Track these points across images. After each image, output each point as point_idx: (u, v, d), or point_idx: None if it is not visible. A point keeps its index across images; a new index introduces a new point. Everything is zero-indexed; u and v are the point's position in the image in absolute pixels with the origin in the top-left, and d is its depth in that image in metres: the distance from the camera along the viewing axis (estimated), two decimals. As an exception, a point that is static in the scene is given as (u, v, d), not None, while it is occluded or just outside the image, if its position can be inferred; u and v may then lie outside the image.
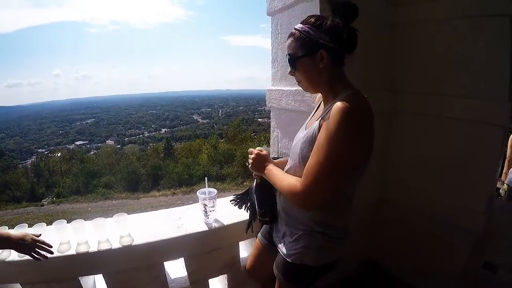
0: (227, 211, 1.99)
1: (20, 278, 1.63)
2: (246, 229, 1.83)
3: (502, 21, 1.84)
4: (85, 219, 1.79)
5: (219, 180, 26.50)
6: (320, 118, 1.23)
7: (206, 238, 1.85)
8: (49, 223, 1.75)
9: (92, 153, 46.40)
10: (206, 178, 1.91)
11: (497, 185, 3.20)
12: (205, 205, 1.85)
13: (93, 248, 1.66)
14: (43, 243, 1.52)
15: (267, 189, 1.54)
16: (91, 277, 1.92)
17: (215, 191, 1.89)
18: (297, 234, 1.38)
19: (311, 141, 1.23)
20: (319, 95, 1.60)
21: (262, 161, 1.46)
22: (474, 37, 1.98)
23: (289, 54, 1.30)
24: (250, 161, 1.49)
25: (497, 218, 2.07)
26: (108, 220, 1.77)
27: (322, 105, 1.41)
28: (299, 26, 1.26)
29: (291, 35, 1.29)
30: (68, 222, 1.72)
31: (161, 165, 31.09)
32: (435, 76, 2.21)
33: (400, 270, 2.57)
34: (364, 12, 2.07)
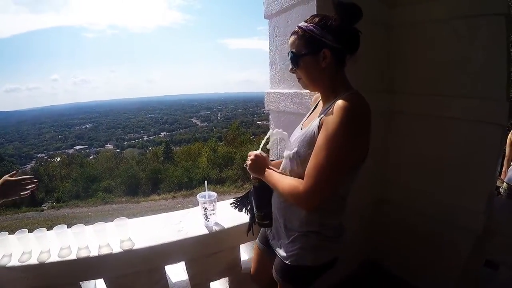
0: (228, 214, 1.99)
1: (21, 283, 1.63)
2: (246, 232, 1.84)
3: (498, 21, 1.85)
4: (86, 223, 1.79)
5: (219, 183, 26.43)
6: (320, 117, 1.23)
7: (206, 241, 1.85)
8: (49, 228, 1.75)
9: (91, 157, 46.27)
10: (206, 181, 1.92)
11: (496, 184, 3.20)
12: (205, 208, 1.86)
13: (94, 252, 1.66)
14: (23, 179, 1.58)
15: (265, 192, 1.54)
16: (92, 282, 1.92)
17: (215, 194, 1.89)
18: (293, 236, 1.38)
19: (309, 141, 1.24)
20: (315, 96, 1.60)
21: (261, 164, 1.46)
22: (471, 37, 1.99)
23: (292, 52, 1.30)
24: (249, 162, 1.49)
25: (497, 216, 2.07)
26: (109, 224, 1.78)
27: (320, 105, 1.41)
28: (303, 24, 1.26)
29: (294, 33, 1.29)
30: (69, 227, 1.72)
31: (161, 168, 31.02)
32: (434, 76, 2.22)
33: (400, 270, 2.57)
34: (367, 13, 2.09)
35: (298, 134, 1.36)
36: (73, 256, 1.64)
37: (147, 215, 2.12)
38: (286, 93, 2.15)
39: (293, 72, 1.37)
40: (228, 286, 2.10)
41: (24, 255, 1.63)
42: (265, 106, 2.41)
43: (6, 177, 1.59)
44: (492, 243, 2.02)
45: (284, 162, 1.44)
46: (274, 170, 1.42)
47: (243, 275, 2.08)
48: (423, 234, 2.34)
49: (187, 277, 1.95)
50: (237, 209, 1.97)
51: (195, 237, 1.82)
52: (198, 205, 1.91)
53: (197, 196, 1.88)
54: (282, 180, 1.32)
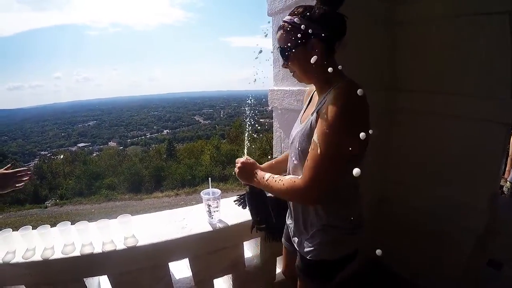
0: (231, 211, 1.99)
1: (25, 279, 1.64)
2: (250, 229, 1.84)
3: (502, 19, 1.84)
4: (89, 220, 1.80)
5: (222, 181, 26.47)
6: (316, 109, 1.23)
7: (210, 238, 1.86)
8: (53, 224, 1.76)
9: (94, 155, 46.35)
10: (209, 178, 1.92)
11: (500, 183, 3.20)
12: (209, 205, 1.86)
13: (98, 249, 1.67)
14: (17, 171, 1.67)
15: (259, 196, 1.57)
16: (95, 278, 1.93)
17: (219, 191, 1.89)
18: (312, 231, 1.38)
19: (308, 134, 1.23)
20: (309, 89, 1.60)
21: (249, 169, 1.49)
22: (475, 34, 1.98)
23: (280, 47, 1.29)
24: (237, 170, 1.51)
25: (501, 215, 2.06)
26: (112, 221, 1.78)
27: (315, 97, 1.40)
28: (287, 18, 1.25)
29: (280, 27, 1.28)
30: (72, 224, 1.73)
31: (164, 166, 31.10)
32: (436, 74, 2.21)
33: (402, 268, 2.57)
34: (364, 10, 2.08)
35: (298, 129, 1.36)
36: (77, 253, 1.64)
37: (150, 212, 2.13)
38: (289, 90, 2.15)
39: (285, 67, 1.37)
40: (231, 283, 2.10)
41: (28, 252, 1.63)
42: (269, 103, 2.40)
43: (1, 170, 1.64)
44: (495, 242, 2.02)
45: (290, 159, 1.45)
46: (265, 173, 1.42)
47: (246, 272, 2.09)
48: (424, 233, 2.33)
49: (191, 274, 1.95)
50: (240, 207, 1.98)
51: (199, 234, 1.82)
52: (202, 202, 1.91)
53: (201, 193, 1.89)
54: (277, 180, 1.32)
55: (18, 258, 1.59)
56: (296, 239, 1.51)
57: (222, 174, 28.17)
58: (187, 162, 31.28)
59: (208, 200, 1.85)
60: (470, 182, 2.08)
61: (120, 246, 1.69)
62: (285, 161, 1.58)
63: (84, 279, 1.73)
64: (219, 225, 1.88)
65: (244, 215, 1.93)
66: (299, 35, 1.20)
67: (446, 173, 2.21)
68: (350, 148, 1.07)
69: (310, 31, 1.18)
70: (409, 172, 2.48)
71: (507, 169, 3.55)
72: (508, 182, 3.44)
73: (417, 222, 2.40)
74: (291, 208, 1.52)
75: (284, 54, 1.29)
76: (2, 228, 1.78)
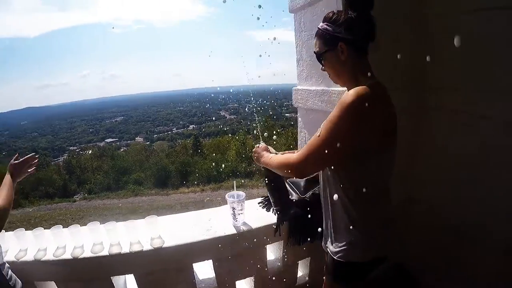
0: (255, 214, 2.02)
1: (55, 276, 1.73)
2: (274, 232, 1.85)
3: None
4: (116, 215, 1.87)
5: (247, 177, 26.57)
6: None
7: (234, 241, 1.87)
8: (81, 218, 1.86)
9: (122, 150, 47.26)
10: (234, 182, 1.95)
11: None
12: (233, 208, 1.88)
13: (125, 249, 1.73)
14: (26, 159, 1.78)
15: (277, 184, 1.72)
16: (122, 277, 1.99)
17: (244, 194, 1.91)
18: (341, 232, 1.41)
19: None
20: None
21: (259, 152, 1.64)
22: (508, 28, 1.85)
23: (315, 52, 1.41)
24: (252, 154, 1.69)
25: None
26: (139, 222, 1.84)
27: None
28: (320, 24, 1.35)
29: (315, 34, 1.39)
30: (100, 218, 1.80)
31: (190, 161, 31.49)
32: (469, 71, 2.08)
33: (428, 275, 2.49)
34: (391, 7, 2.03)
35: None
36: (105, 252, 1.71)
37: (176, 207, 2.17)
38: (314, 90, 2.13)
39: (323, 71, 1.45)
40: (253, 285, 2.12)
41: (58, 250, 1.71)
42: (293, 103, 2.40)
43: (11, 162, 1.74)
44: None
45: None
46: (271, 154, 1.60)
47: (268, 275, 2.10)
48: (453, 238, 2.24)
49: (214, 275, 1.98)
50: (264, 209, 1.99)
51: (222, 236, 1.84)
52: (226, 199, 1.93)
53: (226, 196, 1.91)
54: (278, 156, 1.53)
55: (49, 256, 1.68)
56: (326, 239, 1.53)
57: (247, 170, 28.26)
58: (213, 158, 31.58)
59: (233, 203, 1.87)
60: (503, 186, 1.96)
61: (147, 246, 1.75)
62: None
63: (111, 277, 1.79)
64: (243, 228, 1.90)
65: (268, 218, 1.96)
66: (328, 40, 1.32)
67: (478, 175, 2.09)
68: (346, 139, 1.19)
69: (337, 35, 1.28)
70: (438, 173, 2.37)
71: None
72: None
73: (445, 226, 2.31)
74: (323, 208, 1.56)
75: (318, 59, 1.41)
76: (33, 220, 1.88)
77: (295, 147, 3.16)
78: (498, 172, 1.97)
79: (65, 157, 47.99)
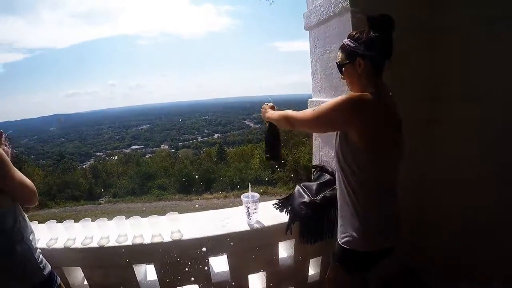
0: (269, 214, 2.15)
1: (81, 262, 1.94)
2: (285, 231, 1.99)
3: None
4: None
5: (271, 185, 26.45)
6: None
7: (247, 237, 2.02)
8: (108, 219, 2.02)
9: (147, 156, 47.48)
10: (249, 183, 2.09)
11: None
12: (248, 207, 2.03)
13: (147, 241, 1.90)
14: None
15: (272, 134, 1.96)
16: (143, 266, 2.18)
17: (258, 195, 2.06)
18: (347, 220, 1.56)
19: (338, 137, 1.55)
20: None
21: (266, 108, 1.94)
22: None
23: (336, 63, 1.61)
24: (262, 109, 1.98)
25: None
26: (162, 217, 2.01)
27: None
28: (344, 40, 1.55)
29: (340, 47, 1.58)
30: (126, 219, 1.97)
31: (214, 169, 31.57)
32: (478, 81, 2.14)
33: (439, 282, 2.53)
34: (402, 20, 2.12)
35: None
36: (129, 242, 1.89)
37: (198, 212, 2.34)
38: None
39: (342, 79, 1.64)
40: (265, 279, 2.24)
41: (86, 239, 1.91)
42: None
43: None
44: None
45: None
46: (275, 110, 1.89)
47: (280, 270, 2.22)
48: (464, 248, 2.28)
49: (228, 269, 2.12)
50: (278, 210, 2.13)
51: (237, 232, 1.99)
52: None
53: (242, 196, 2.07)
54: (280, 111, 1.84)
55: (77, 244, 1.88)
56: (338, 228, 1.66)
57: (271, 178, 28.13)
58: (237, 166, 31.63)
59: (247, 202, 2.02)
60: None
61: (167, 239, 1.91)
62: None
63: (133, 265, 1.97)
64: (256, 225, 2.04)
65: (281, 218, 2.09)
66: (349, 54, 1.51)
67: (491, 184, 2.10)
68: (330, 122, 1.51)
69: (356, 51, 1.47)
70: (451, 182, 2.40)
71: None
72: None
73: (458, 234, 2.34)
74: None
75: (340, 69, 1.60)
76: (58, 220, 2.07)
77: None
78: (507, 180, 1.99)
79: (91, 162, 48.46)
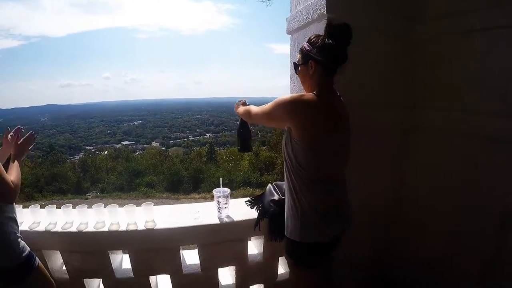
0: (241, 210, 2.24)
1: (61, 246, 2.04)
2: (254, 227, 2.09)
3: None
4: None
5: (259, 187, 26.37)
6: None
7: (217, 230, 2.12)
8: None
9: (137, 153, 46.88)
10: (220, 178, 2.18)
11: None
12: (218, 202, 2.13)
13: (123, 228, 2.01)
14: (26, 138, 1.80)
15: (242, 127, 2.08)
16: (119, 254, 2.29)
17: (228, 190, 2.17)
18: (290, 213, 1.70)
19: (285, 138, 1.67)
20: None
21: (238, 104, 2.10)
22: (489, 50, 1.95)
23: (294, 62, 1.76)
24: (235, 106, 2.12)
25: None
26: (138, 208, 2.12)
27: None
28: (304, 43, 1.66)
29: (299, 49, 1.71)
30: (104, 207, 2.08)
31: (203, 168, 31.44)
32: (455, 91, 2.16)
33: (411, 285, 2.59)
34: (382, 30, 2.23)
35: None
36: (105, 229, 2.01)
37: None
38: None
39: (297, 74, 1.77)
40: (235, 274, 2.33)
41: (66, 224, 2.02)
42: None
43: (14, 142, 1.75)
44: (504, 272, 1.93)
45: None
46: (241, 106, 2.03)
47: (249, 266, 2.31)
48: (439, 255, 2.32)
49: (199, 262, 2.21)
50: (249, 207, 2.23)
51: (207, 225, 2.09)
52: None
53: (213, 191, 2.17)
54: (245, 107, 1.98)
55: (57, 228, 1.98)
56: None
57: (259, 180, 28.11)
58: (226, 166, 31.63)
59: (218, 197, 2.12)
60: (489, 204, 1.99)
61: (141, 227, 2.02)
62: None
63: (109, 252, 2.08)
64: (226, 219, 2.14)
65: (251, 214, 2.19)
66: (304, 56, 1.64)
67: (464, 193, 2.13)
68: (276, 117, 1.63)
69: (310, 54, 1.59)
70: (425, 190, 2.44)
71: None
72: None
73: (431, 243, 2.39)
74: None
75: (295, 68, 1.74)
76: None
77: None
78: (486, 191, 2.02)
79: (81, 155, 47.49)
